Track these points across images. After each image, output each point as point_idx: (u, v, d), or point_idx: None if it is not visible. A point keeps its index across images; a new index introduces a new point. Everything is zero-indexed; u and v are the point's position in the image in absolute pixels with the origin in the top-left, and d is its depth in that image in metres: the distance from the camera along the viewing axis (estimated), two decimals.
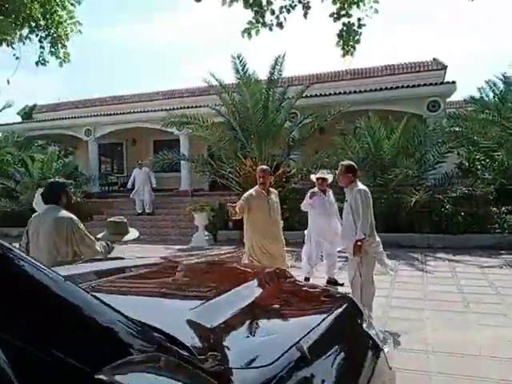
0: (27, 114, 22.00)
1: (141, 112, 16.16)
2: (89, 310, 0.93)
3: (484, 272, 7.27)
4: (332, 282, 6.55)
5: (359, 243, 4.44)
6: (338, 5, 3.25)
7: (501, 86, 12.93)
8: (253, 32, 3.58)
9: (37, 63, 5.62)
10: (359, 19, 3.48)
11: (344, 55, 3.64)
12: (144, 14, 56.83)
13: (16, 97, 56.92)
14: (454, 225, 9.80)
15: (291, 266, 8.32)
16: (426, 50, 46.21)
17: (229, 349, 1.25)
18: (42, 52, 5.53)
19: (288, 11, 3.43)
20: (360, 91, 13.67)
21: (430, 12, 53.29)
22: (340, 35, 3.53)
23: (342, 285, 6.30)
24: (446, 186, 10.25)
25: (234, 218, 5.12)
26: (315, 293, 2.20)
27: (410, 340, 4.26)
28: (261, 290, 1.87)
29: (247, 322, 1.54)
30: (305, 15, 3.35)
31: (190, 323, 1.35)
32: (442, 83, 13.20)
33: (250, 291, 1.78)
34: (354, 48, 3.58)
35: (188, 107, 14.44)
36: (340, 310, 1.75)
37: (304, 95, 13.37)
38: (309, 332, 1.43)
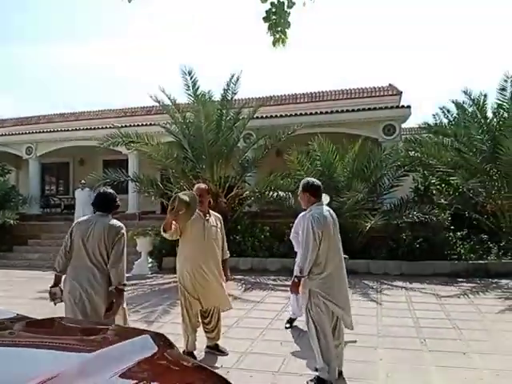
0: None
1: (85, 129, 15.22)
2: None
3: (441, 302, 6.84)
4: None
5: (296, 280, 3.73)
6: None
7: (454, 112, 13.01)
8: None
9: None
10: None
11: (274, 43, 3.11)
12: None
13: None
14: (410, 251, 9.44)
15: (238, 297, 7.67)
16: (389, 76, 47.85)
17: None
18: None
19: None
20: (314, 113, 13.43)
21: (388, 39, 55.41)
22: (267, 18, 3.01)
23: None
24: (402, 211, 9.94)
25: (165, 235, 4.26)
26: (189, 373, 1.61)
27: None
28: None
29: None
30: None
31: None
32: (396, 107, 13.15)
33: None
34: (285, 34, 3.06)
35: (138, 125, 13.72)
36: None
37: (259, 116, 12.99)
38: None
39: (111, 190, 3.96)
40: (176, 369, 1.67)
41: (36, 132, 16.10)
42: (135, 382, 1.43)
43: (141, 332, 1.92)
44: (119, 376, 1.37)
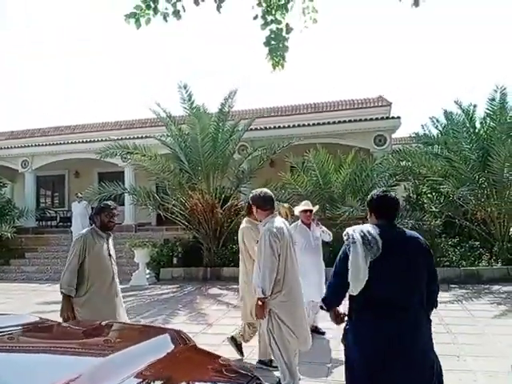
0: None
1: (81, 142, 15.36)
2: None
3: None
4: (313, 330, 5.11)
5: (260, 303, 3.40)
6: (264, 8, 2.96)
7: (443, 122, 13.30)
8: (142, 20, 3.14)
9: None
10: (287, 25, 3.19)
11: (274, 67, 3.33)
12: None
13: None
14: None
15: (238, 305, 7.78)
16: (376, 87, 48.47)
17: None
18: None
19: (196, 2, 3.06)
20: (307, 124, 13.70)
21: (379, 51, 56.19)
22: (267, 43, 3.22)
23: (323, 334, 5.47)
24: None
25: None
26: (215, 368, 1.75)
27: None
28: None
29: None
30: (218, 8, 3.02)
31: None
32: (387, 118, 13.45)
33: None
34: (284, 58, 3.27)
35: (133, 138, 13.87)
36: None
37: (253, 128, 13.22)
38: None
39: (102, 204, 4.15)
40: (195, 364, 1.79)
41: (33, 145, 16.20)
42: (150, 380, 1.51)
43: (161, 330, 2.04)
44: (135, 377, 1.44)
